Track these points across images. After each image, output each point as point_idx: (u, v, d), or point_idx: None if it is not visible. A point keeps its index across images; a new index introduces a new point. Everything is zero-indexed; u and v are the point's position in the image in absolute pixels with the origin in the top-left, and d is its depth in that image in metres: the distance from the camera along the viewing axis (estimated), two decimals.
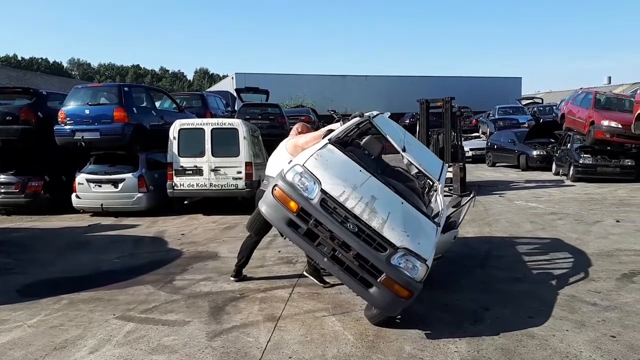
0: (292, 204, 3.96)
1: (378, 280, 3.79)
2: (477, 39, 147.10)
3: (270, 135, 13.43)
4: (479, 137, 23.96)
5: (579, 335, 3.83)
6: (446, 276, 5.36)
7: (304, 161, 4.13)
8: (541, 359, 3.48)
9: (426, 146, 15.08)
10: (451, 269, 5.65)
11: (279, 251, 6.78)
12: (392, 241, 3.80)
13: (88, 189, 9.99)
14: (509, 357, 3.51)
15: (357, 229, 3.83)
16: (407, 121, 29.90)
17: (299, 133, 5.26)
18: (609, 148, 14.16)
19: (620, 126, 13.65)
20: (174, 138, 9.81)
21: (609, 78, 41.59)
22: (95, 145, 10.20)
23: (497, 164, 19.38)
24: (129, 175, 9.96)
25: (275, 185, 4.08)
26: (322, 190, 3.94)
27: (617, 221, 8.35)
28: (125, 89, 10.79)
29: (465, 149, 18.65)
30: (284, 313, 4.47)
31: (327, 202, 3.92)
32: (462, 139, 19.76)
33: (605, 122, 13.88)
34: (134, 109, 10.48)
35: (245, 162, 9.70)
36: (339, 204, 3.90)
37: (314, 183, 3.98)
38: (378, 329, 4.05)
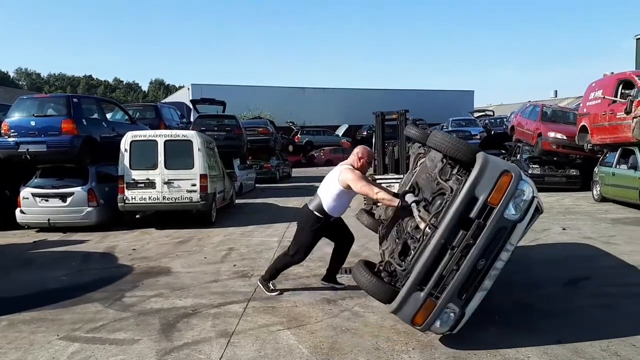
0: (496, 197, 3.48)
1: (430, 296, 3.58)
2: (434, 53, 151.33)
3: (226, 147, 13.28)
4: None
5: (527, 340, 3.93)
6: None
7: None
8: None
9: (382, 158, 15.21)
10: None
11: (234, 265, 6.67)
12: (471, 302, 3.67)
13: (34, 203, 9.55)
14: None
15: (482, 268, 3.58)
16: (365, 133, 30.36)
17: (360, 158, 4.94)
18: (555, 159, 14.77)
19: (565, 137, 14.29)
20: (126, 150, 9.53)
21: (556, 92, 43.58)
22: (42, 158, 9.77)
23: None
24: (78, 188, 9.58)
25: (510, 172, 3.56)
26: (518, 220, 3.58)
27: (564, 229, 8.69)
28: (74, 100, 10.42)
29: None
30: (238, 328, 4.38)
31: (505, 231, 3.56)
32: None
33: (552, 134, 14.50)
34: (84, 120, 10.13)
35: (200, 175, 9.52)
36: (505, 243, 3.59)
37: (527, 210, 3.60)
38: (333, 342, 4.02)
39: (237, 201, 12.94)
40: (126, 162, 9.50)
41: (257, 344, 4.03)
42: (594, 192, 12.40)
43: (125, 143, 9.57)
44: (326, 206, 4.93)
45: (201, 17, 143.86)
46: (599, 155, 12.84)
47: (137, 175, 9.50)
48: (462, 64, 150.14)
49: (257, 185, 17.07)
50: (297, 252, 5.17)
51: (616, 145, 11.67)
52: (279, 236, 8.54)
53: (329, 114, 36.88)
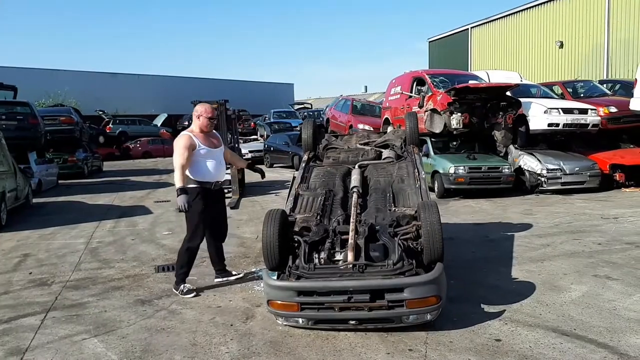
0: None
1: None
2: (257, 47, 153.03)
3: (18, 138, 11.66)
4: (257, 139, 24.85)
5: None
6: (211, 279, 5.29)
7: None
8: (305, 344, 3.71)
9: None
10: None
11: (30, 272, 5.85)
12: None
13: None
14: (277, 349, 3.65)
15: None
16: (186, 123, 29.23)
17: (198, 116, 4.94)
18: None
19: (372, 129, 15.72)
20: None
21: (366, 87, 47.93)
22: None
23: (275, 165, 20.38)
24: None
25: (440, 297, 3.68)
26: None
27: None
28: None
29: (245, 151, 19.22)
30: (33, 343, 3.85)
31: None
32: (241, 141, 20.31)
33: (361, 126, 15.84)
34: None
35: None
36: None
37: None
38: (147, 344, 3.79)
39: (34, 200, 11.37)
40: None
41: (58, 357, 3.60)
42: None
43: None
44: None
45: None
46: None
47: None
48: (284, 59, 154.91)
49: (60, 181, 15.25)
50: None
51: None
52: (86, 237, 7.72)
53: (146, 102, 34.80)
